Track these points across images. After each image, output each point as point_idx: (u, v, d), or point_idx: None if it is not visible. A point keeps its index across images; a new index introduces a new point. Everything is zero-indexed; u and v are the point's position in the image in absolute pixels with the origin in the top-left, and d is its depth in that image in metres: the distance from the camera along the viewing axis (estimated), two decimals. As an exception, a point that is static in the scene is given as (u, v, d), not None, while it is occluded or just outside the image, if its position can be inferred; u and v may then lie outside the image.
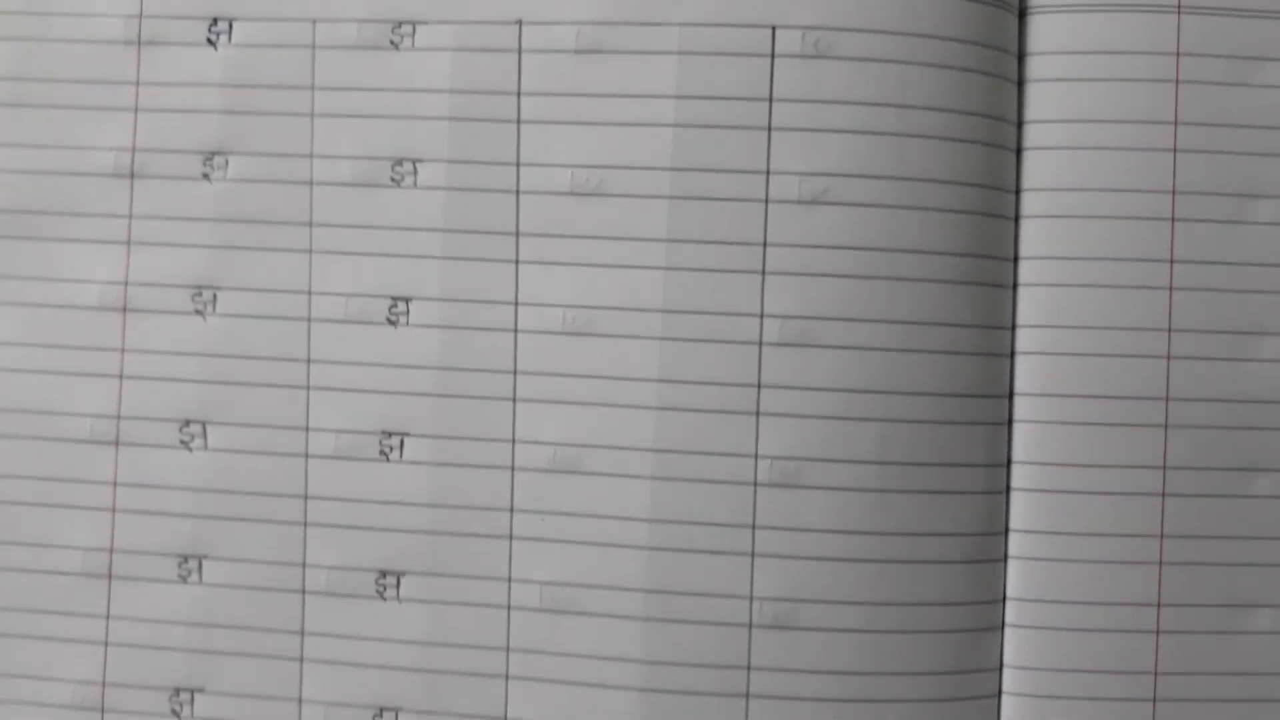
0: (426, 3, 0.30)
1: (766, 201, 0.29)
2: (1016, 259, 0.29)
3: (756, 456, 0.29)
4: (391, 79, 0.30)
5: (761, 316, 0.29)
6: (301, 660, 0.30)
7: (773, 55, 0.29)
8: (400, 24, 0.30)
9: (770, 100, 0.29)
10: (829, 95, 0.28)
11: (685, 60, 0.29)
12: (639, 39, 0.29)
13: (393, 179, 0.30)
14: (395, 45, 0.30)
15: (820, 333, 0.29)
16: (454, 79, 0.30)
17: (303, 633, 0.30)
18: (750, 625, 0.29)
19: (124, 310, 0.31)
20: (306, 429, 0.30)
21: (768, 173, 0.29)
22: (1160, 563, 0.29)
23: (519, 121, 0.29)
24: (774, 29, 0.29)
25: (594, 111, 0.29)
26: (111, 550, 0.31)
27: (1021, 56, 0.29)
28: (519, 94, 0.29)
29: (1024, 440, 0.29)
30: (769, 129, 0.29)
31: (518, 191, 0.29)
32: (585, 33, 0.29)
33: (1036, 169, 0.29)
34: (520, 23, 0.30)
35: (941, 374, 0.29)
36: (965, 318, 0.29)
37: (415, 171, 0.30)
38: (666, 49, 0.29)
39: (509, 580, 0.30)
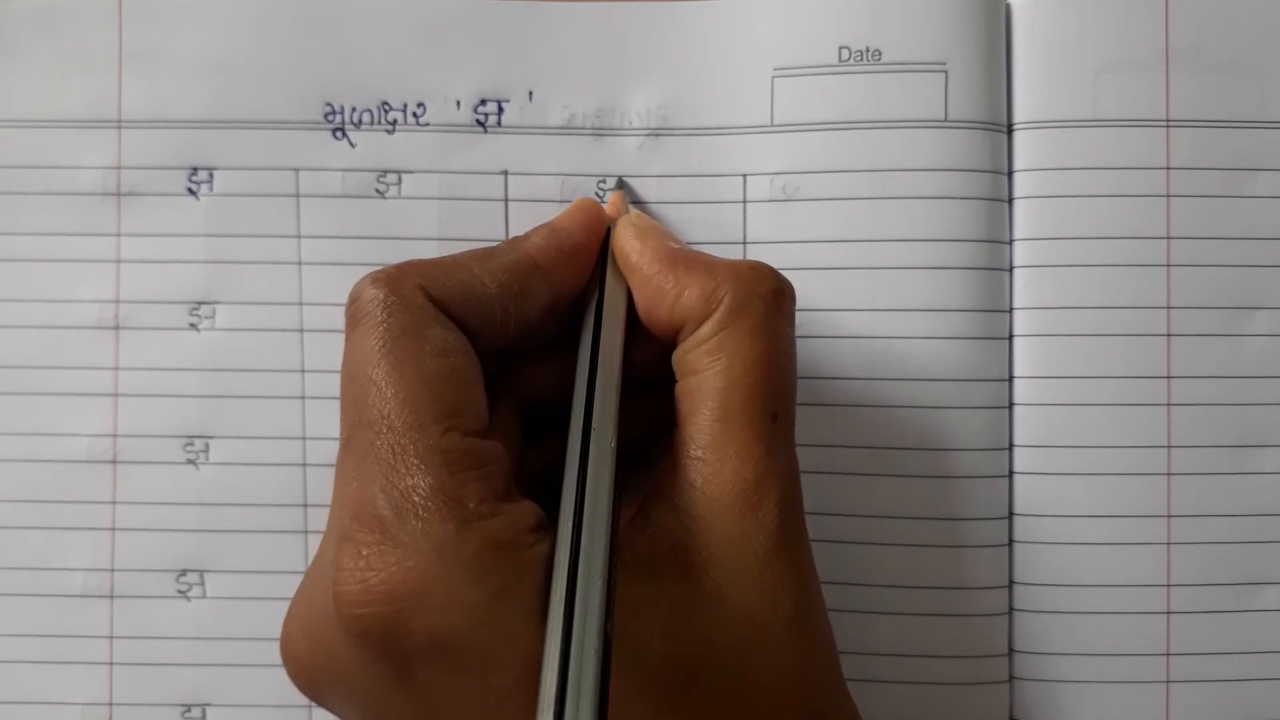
0: (412, 154, 0.31)
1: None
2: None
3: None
4: (379, 227, 0.31)
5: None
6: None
7: (745, 201, 0.31)
8: (385, 173, 0.31)
9: (744, 244, 0.31)
10: (799, 235, 0.30)
11: (663, 209, 0.31)
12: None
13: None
14: (381, 194, 0.31)
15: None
16: (441, 227, 0.31)
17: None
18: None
19: (114, 462, 0.31)
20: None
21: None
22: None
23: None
24: (744, 177, 0.31)
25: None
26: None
27: (1010, 173, 0.31)
28: (506, 241, 0.31)
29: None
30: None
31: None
32: (569, 183, 0.31)
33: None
34: (506, 173, 0.31)
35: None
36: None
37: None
38: (646, 199, 0.31)
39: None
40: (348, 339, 0.24)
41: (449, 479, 0.21)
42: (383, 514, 0.21)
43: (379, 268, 0.24)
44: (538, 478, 0.26)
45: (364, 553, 0.21)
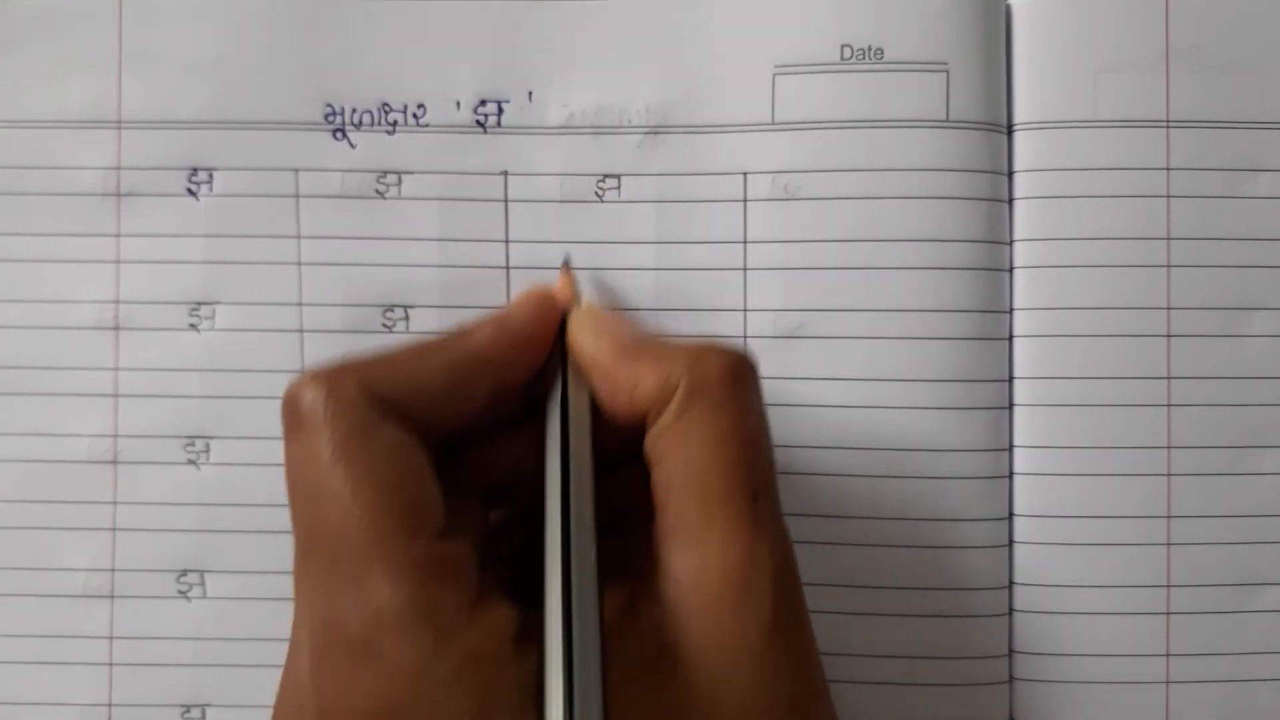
0: (412, 154, 0.31)
1: (745, 337, 0.31)
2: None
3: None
4: (378, 227, 0.31)
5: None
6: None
7: (745, 200, 0.31)
8: (385, 174, 0.31)
9: (744, 243, 0.31)
10: (799, 234, 0.30)
11: (663, 208, 0.31)
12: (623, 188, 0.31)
13: (384, 324, 0.31)
14: (381, 195, 0.31)
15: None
16: (441, 227, 0.31)
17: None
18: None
19: (114, 462, 0.31)
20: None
21: (745, 310, 0.31)
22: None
23: (508, 268, 0.31)
24: (745, 175, 0.31)
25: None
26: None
27: (1010, 174, 0.30)
28: (506, 241, 0.31)
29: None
30: (744, 269, 0.31)
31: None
32: (569, 183, 0.31)
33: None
34: (506, 174, 0.31)
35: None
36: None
37: (407, 317, 0.31)
38: (645, 198, 0.31)
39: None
40: (288, 444, 0.23)
41: (420, 591, 0.21)
42: (357, 633, 0.21)
43: (317, 369, 0.23)
44: (505, 556, 0.25)
45: (341, 673, 0.21)
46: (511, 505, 0.26)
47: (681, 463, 0.23)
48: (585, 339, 0.26)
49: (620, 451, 0.25)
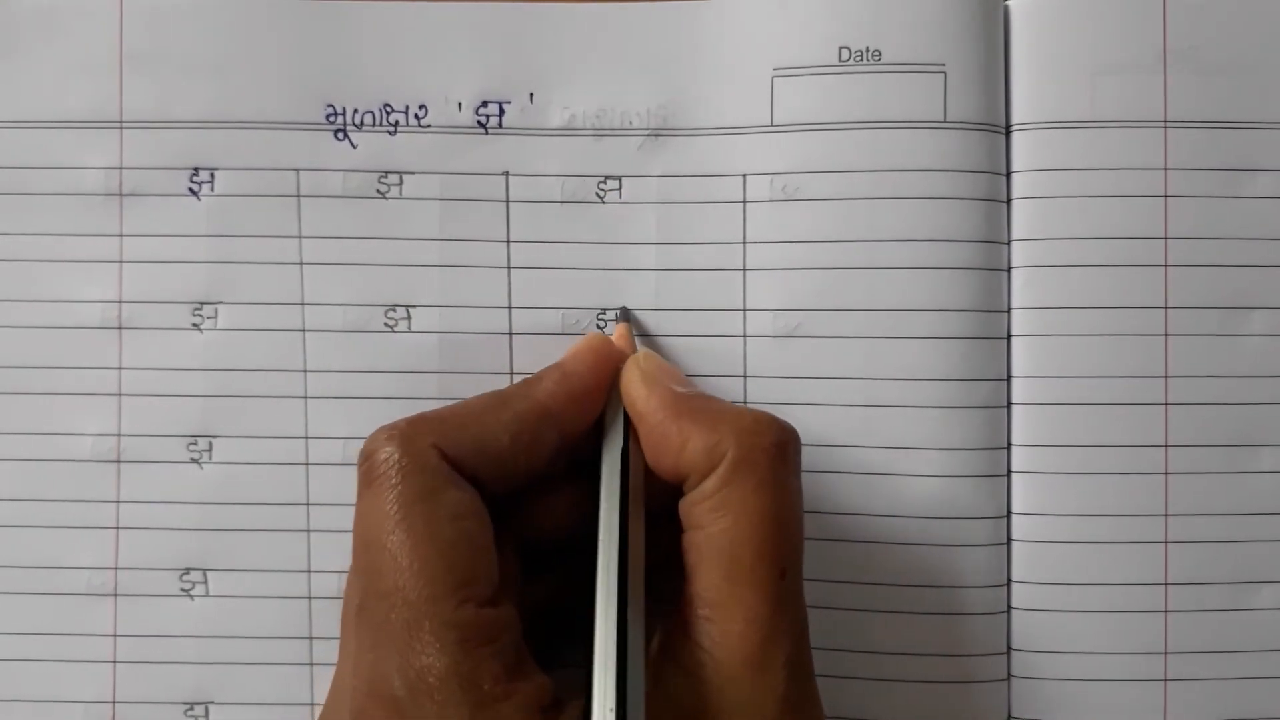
0: (413, 155, 0.31)
1: (744, 337, 0.31)
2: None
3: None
4: (380, 227, 0.31)
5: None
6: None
7: (744, 201, 0.31)
8: (387, 174, 0.31)
9: (744, 243, 0.31)
10: (798, 235, 0.31)
11: (663, 209, 0.31)
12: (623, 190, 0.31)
13: (386, 324, 0.31)
14: (382, 195, 0.31)
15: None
16: (442, 228, 0.31)
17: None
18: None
19: (118, 461, 0.31)
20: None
21: (744, 310, 0.31)
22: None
23: (509, 268, 0.31)
24: (744, 176, 0.31)
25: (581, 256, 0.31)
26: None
27: (1008, 174, 0.31)
28: (508, 242, 0.31)
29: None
30: (744, 269, 0.31)
31: (510, 334, 0.31)
32: (570, 184, 0.31)
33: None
34: (507, 174, 0.31)
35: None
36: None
37: (409, 316, 0.31)
38: (645, 199, 0.31)
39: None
40: (361, 497, 0.24)
41: (463, 659, 0.22)
42: (398, 694, 0.22)
43: (392, 422, 0.24)
44: (535, 610, 0.26)
45: None
46: (548, 559, 0.27)
47: (717, 533, 0.24)
48: (638, 390, 0.26)
49: (656, 508, 0.26)
